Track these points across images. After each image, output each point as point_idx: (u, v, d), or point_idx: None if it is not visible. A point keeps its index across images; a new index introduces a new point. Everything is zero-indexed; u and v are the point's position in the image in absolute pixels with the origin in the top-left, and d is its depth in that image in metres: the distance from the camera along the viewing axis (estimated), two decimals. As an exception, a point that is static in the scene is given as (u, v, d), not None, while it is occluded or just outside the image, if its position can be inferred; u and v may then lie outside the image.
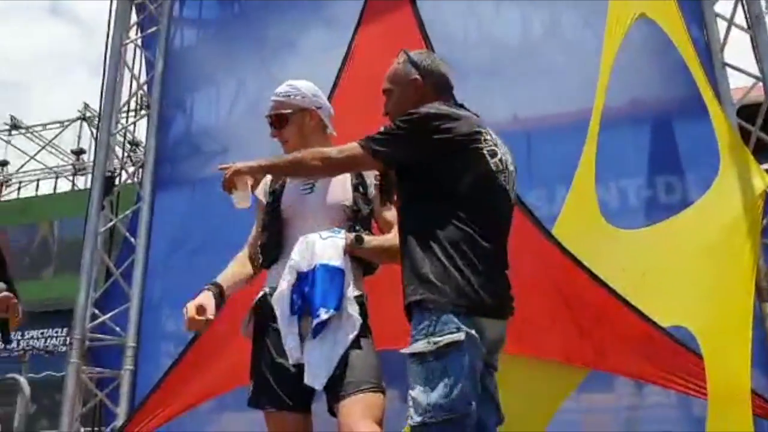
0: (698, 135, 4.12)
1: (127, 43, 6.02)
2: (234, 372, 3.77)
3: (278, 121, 2.61)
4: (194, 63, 5.98)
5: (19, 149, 16.21)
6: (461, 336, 1.94)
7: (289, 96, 2.62)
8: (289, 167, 2.31)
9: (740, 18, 4.64)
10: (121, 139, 6.18)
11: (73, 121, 15.88)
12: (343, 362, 2.24)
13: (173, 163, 5.78)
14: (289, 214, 2.52)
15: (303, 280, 2.33)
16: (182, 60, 6.01)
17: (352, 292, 2.35)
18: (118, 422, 5.03)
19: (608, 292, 3.52)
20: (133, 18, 6.13)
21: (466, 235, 2.04)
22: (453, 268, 2.01)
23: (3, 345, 3.31)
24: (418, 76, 2.31)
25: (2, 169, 16.51)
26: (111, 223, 5.66)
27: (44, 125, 16.24)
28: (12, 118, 16.37)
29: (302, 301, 2.32)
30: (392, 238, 2.38)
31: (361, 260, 2.45)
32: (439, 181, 2.11)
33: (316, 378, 2.25)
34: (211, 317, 2.41)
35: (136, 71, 6.06)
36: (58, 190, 15.86)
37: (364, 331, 2.33)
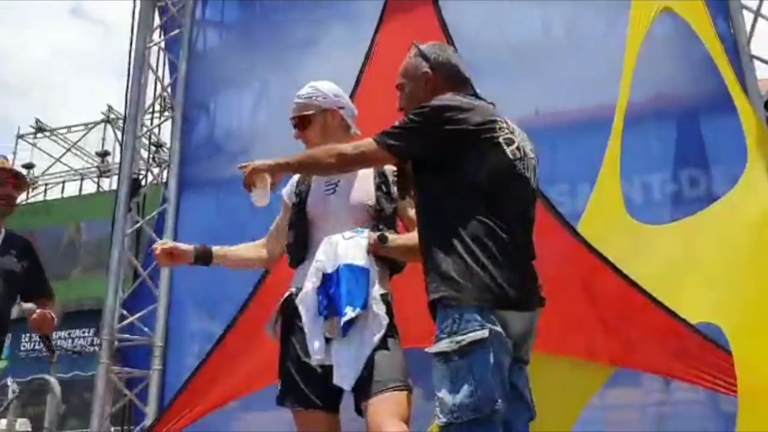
0: (724, 128, 4.09)
1: (150, 46, 6.07)
2: (260, 372, 3.81)
3: (301, 123, 2.63)
4: (217, 65, 6.03)
5: (44, 152, 16.44)
6: (485, 333, 1.91)
7: (310, 97, 2.64)
8: (304, 164, 2.31)
9: (766, 9, 4.59)
10: (146, 142, 6.24)
11: (98, 123, 16.05)
12: (370, 362, 2.25)
13: (197, 164, 5.82)
14: (314, 215, 2.54)
15: (328, 281, 2.34)
16: (205, 62, 6.06)
17: (377, 291, 2.35)
18: (147, 422, 5.09)
19: (634, 289, 3.50)
20: (156, 21, 6.18)
21: (487, 227, 2.01)
22: (474, 263, 1.97)
23: (51, 354, 3.40)
24: (428, 69, 2.29)
25: (28, 172, 16.73)
26: (137, 225, 5.72)
27: (69, 128, 16.42)
28: (37, 121, 16.60)
29: (328, 302, 2.32)
30: (417, 236, 2.38)
31: (387, 259, 2.45)
32: (457, 174, 2.08)
33: (344, 379, 2.26)
34: (168, 247, 2.66)
35: (159, 73, 6.12)
36: (84, 192, 16.06)
37: (391, 329, 2.33)
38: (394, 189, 2.52)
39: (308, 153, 2.33)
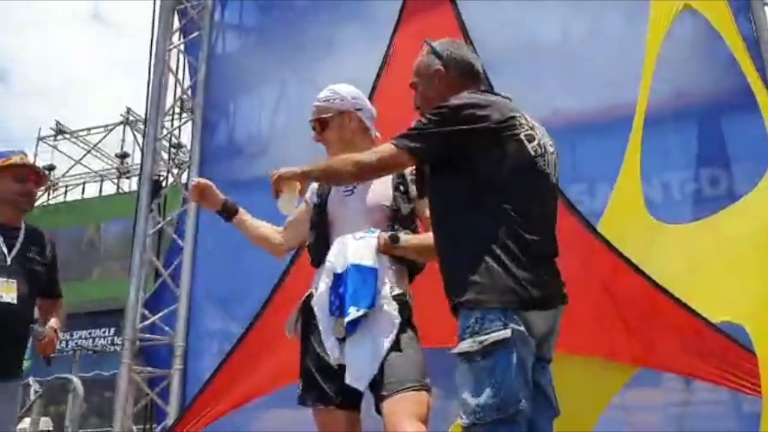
0: (746, 127, 4.04)
1: (170, 49, 6.12)
2: (281, 371, 3.83)
3: (320, 126, 2.65)
4: (236, 67, 6.06)
5: (64, 154, 16.62)
6: (507, 333, 1.90)
7: (328, 100, 2.66)
8: (325, 174, 2.28)
9: (789, 7, 4.53)
10: (167, 144, 6.29)
11: (117, 125, 16.21)
12: (385, 362, 2.25)
13: (217, 165, 5.84)
14: (333, 217, 2.56)
15: (338, 281, 2.37)
16: (224, 64, 6.09)
17: (390, 290, 2.36)
18: (169, 421, 5.13)
19: (656, 288, 3.48)
20: (176, 23, 6.23)
21: (509, 227, 1.98)
22: (496, 264, 1.95)
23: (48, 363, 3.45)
24: (440, 66, 2.27)
25: (49, 173, 16.92)
26: (159, 226, 5.78)
27: (88, 130, 16.60)
28: (57, 123, 16.79)
29: (339, 302, 2.34)
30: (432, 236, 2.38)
31: (404, 259, 2.45)
32: (477, 172, 2.04)
33: (358, 379, 2.27)
34: (203, 184, 2.73)
35: (179, 76, 6.16)
36: (104, 193, 16.21)
37: (405, 328, 2.34)
38: (413, 189, 2.52)
39: (329, 163, 2.32)
